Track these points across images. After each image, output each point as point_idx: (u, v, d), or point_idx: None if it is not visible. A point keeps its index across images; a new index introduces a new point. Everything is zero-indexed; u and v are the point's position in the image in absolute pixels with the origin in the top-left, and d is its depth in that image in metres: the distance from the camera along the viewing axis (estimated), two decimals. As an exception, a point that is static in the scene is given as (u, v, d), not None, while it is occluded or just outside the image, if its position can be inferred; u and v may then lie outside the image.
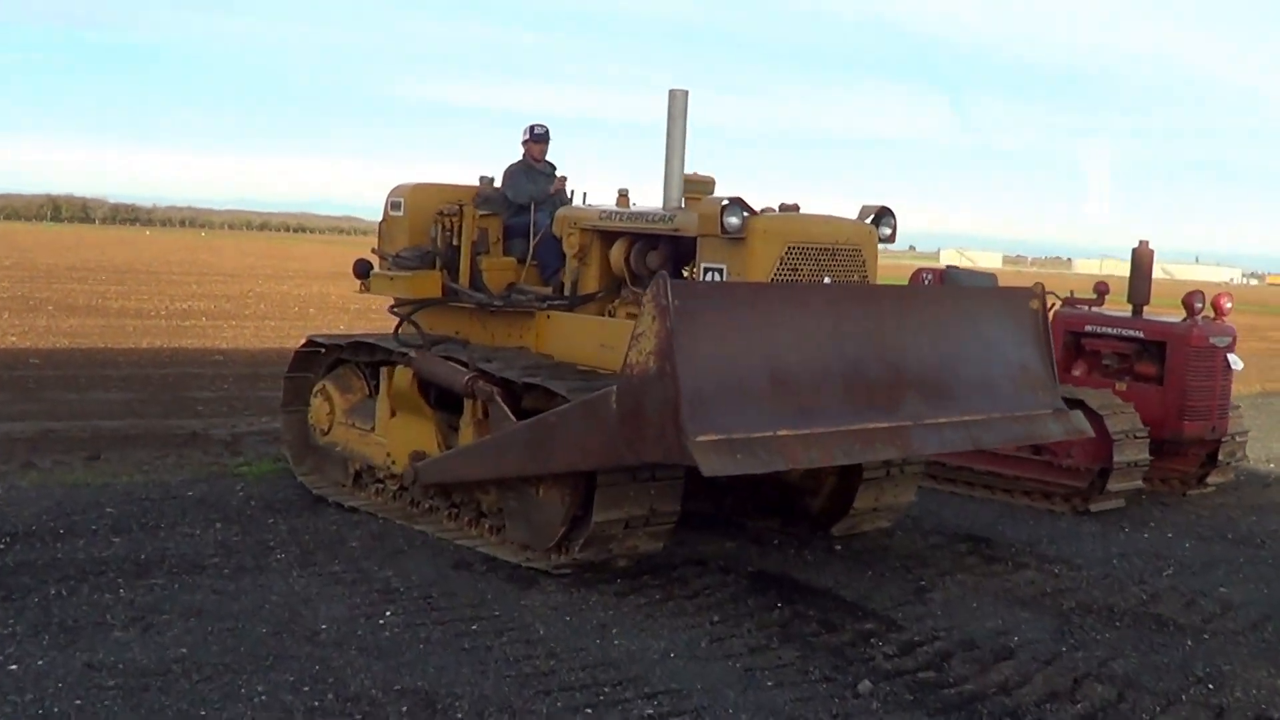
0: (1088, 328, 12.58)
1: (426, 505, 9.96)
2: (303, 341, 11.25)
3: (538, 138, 11.34)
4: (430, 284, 10.58)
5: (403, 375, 9.74)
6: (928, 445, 8.45)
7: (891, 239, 9.47)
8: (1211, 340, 11.98)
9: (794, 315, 8.04)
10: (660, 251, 9.71)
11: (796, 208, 9.06)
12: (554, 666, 6.90)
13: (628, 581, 8.61)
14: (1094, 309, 12.96)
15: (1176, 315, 12.55)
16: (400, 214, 11.12)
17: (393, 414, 10.17)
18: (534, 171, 11.27)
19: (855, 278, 9.09)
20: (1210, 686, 7.18)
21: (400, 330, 10.26)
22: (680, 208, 9.54)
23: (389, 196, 11.26)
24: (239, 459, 12.15)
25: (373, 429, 10.37)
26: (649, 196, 10.05)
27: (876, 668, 7.20)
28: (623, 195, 10.31)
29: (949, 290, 9.16)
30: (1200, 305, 12.12)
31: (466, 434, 9.45)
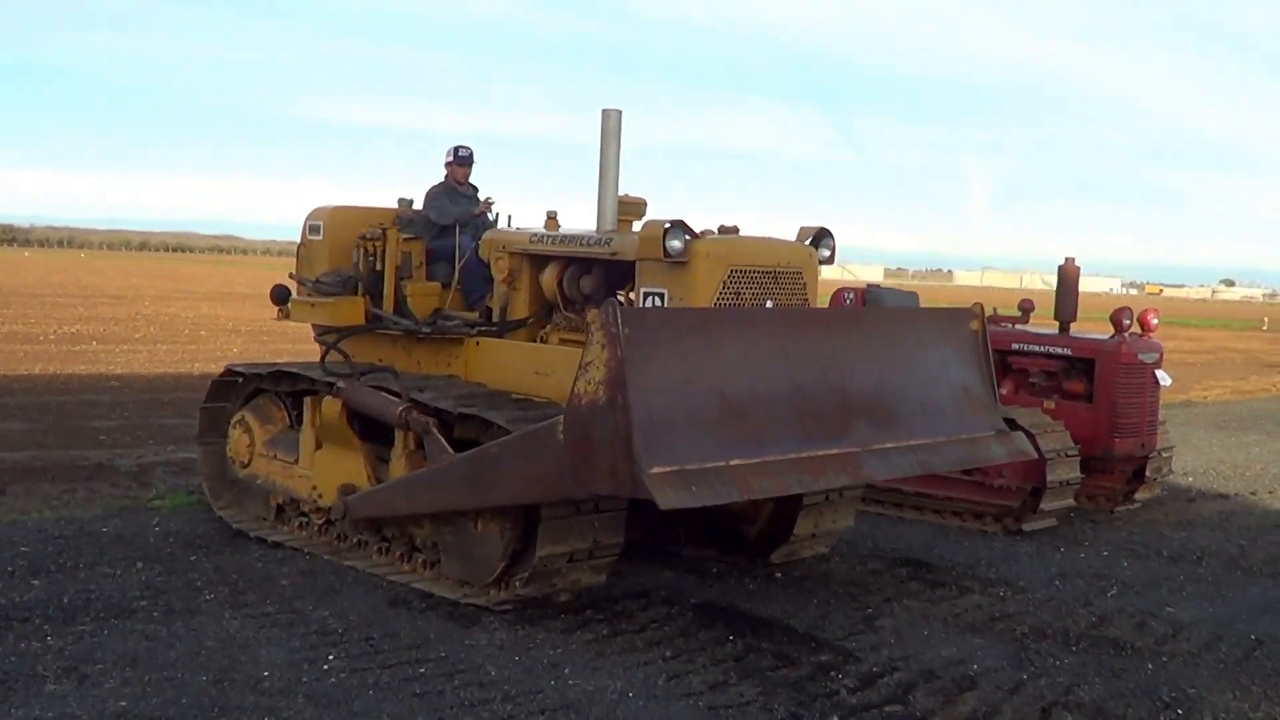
0: (1014, 346, 12.52)
1: (355, 540, 9.62)
2: (221, 371, 10.81)
3: (461, 160, 11.07)
4: (353, 310, 10.25)
5: (330, 406, 9.39)
6: (877, 471, 8.28)
7: (830, 260, 9.32)
8: (1140, 356, 11.98)
9: (743, 340, 7.85)
10: (594, 276, 9.47)
11: (736, 229, 8.88)
12: (512, 711, 6.61)
13: (572, 617, 8.33)
14: (1019, 327, 12.94)
15: (1103, 331, 12.55)
16: (319, 238, 10.77)
17: (318, 446, 9.81)
18: (456, 194, 11.00)
19: (796, 301, 8.94)
20: (1179, 712, 7.08)
21: (326, 359, 9.88)
22: (614, 231, 9.32)
23: (307, 220, 10.91)
24: (151, 492, 11.68)
25: (296, 461, 9.99)
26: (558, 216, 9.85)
27: (841, 702, 7.00)
28: (551, 218, 10.06)
29: (891, 312, 9.04)
30: (1129, 321, 12.13)
31: (398, 466, 9.13)
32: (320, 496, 9.72)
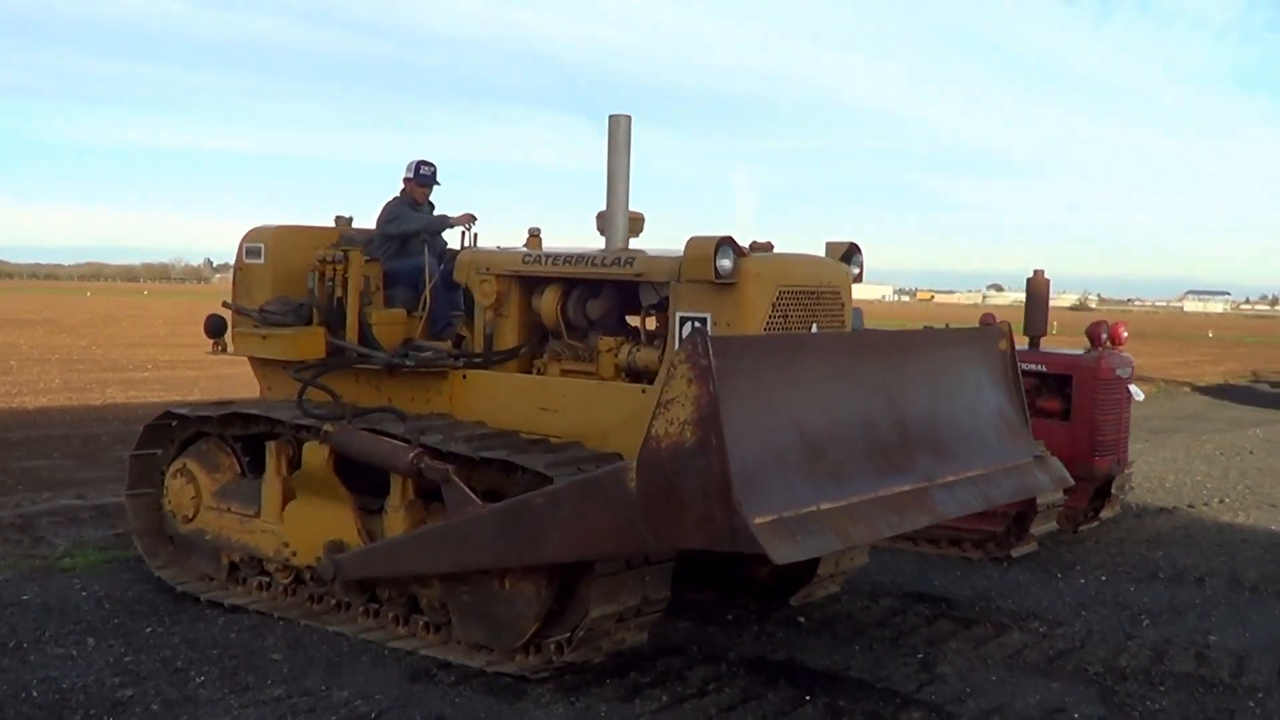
0: (983, 362, 11.99)
1: (334, 602, 8.52)
2: (160, 414, 9.50)
3: (422, 179, 10.02)
4: (312, 342, 9.12)
5: (314, 453, 8.24)
6: (949, 508, 7.57)
7: (859, 278, 8.60)
8: (1117, 371, 11.61)
9: (816, 369, 7.10)
10: (603, 299, 8.57)
11: (770, 246, 8.08)
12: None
13: (618, 681, 7.44)
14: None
15: (1071, 346, 12.16)
16: (260, 261, 9.61)
17: (289, 497, 8.65)
18: (417, 212, 9.96)
19: (835, 322, 8.20)
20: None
21: (303, 397, 8.71)
22: (633, 249, 8.45)
23: (243, 242, 9.73)
24: (55, 548, 10.29)
25: (257, 514, 8.80)
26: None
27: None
28: (534, 236, 9.13)
29: (930, 334, 8.36)
30: (1105, 335, 11.75)
31: (396, 520, 8.06)
32: (294, 554, 8.56)
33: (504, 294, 8.70)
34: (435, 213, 10.17)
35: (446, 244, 10.08)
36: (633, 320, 8.75)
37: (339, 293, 9.14)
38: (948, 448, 7.86)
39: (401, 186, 10.04)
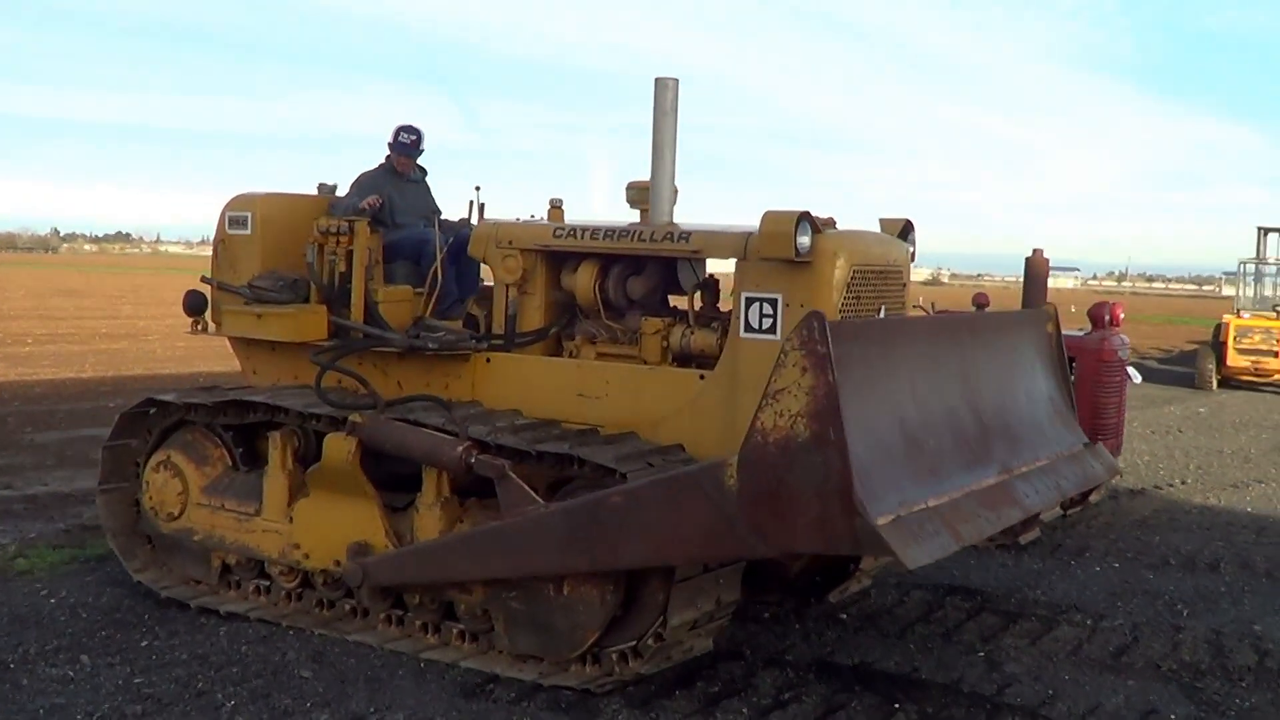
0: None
1: (348, 607, 7.78)
2: (139, 401, 8.59)
3: (401, 148, 9.19)
4: (315, 321, 8.32)
5: (338, 446, 7.46)
6: (1032, 500, 7.14)
7: (913, 258, 8.10)
8: (1119, 353, 11.32)
9: (911, 354, 6.64)
10: (646, 277, 7.94)
11: (833, 222, 7.53)
12: None
13: (690, 693, 6.89)
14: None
15: (1072, 328, 11.81)
16: (247, 232, 8.75)
17: (298, 493, 7.87)
18: (398, 181, 9.18)
19: (897, 304, 7.69)
20: None
21: (321, 381, 7.88)
22: (680, 223, 7.83)
23: (226, 210, 8.86)
24: (5, 549, 9.32)
25: (258, 512, 8.00)
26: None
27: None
28: (556, 208, 8.47)
29: (989, 317, 7.92)
30: (1108, 316, 11.44)
31: (429, 519, 7.35)
32: (306, 557, 7.78)
33: (530, 270, 8.01)
34: (426, 175, 9.43)
35: (440, 213, 9.35)
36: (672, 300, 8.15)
37: (341, 267, 8.35)
38: (1017, 436, 7.46)
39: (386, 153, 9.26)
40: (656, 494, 6.30)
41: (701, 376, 7.32)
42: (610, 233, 7.77)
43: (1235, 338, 25.28)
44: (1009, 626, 8.33)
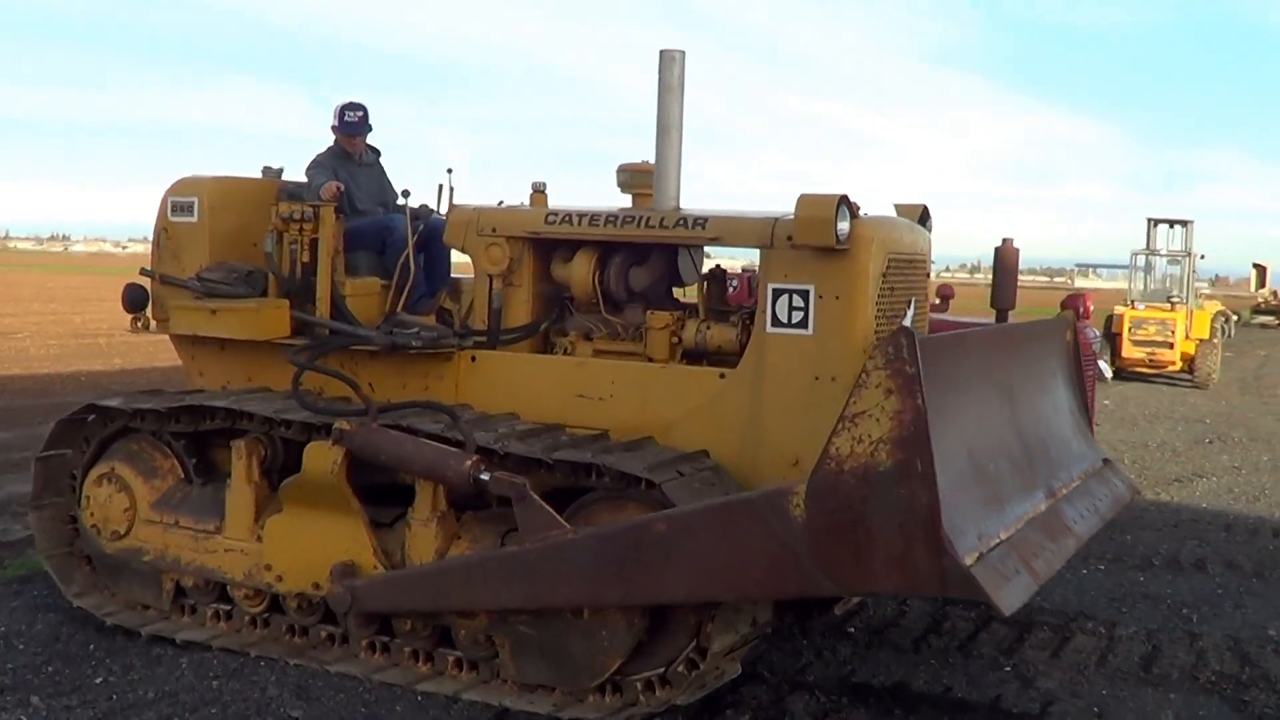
0: (947, 337, 11.15)
1: (324, 634, 7.03)
2: (79, 408, 7.69)
3: (348, 128, 8.42)
4: (277, 317, 7.53)
5: (322, 456, 6.68)
6: (1081, 527, 6.71)
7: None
8: (1094, 347, 10.95)
9: (972, 370, 6.16)
10: (650, 267, 7.31)
11: (857, 209, 6.96)
12: None
13: (722, 723, 6.28)
14: (940, 316, 11.55)
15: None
16: (193, 219, 7.93)
17: (265, 508, 7.09)
18: (349, 164, 8.43)
19: (922, 296, 7.18)
20: None
21: (299, 384, 7.07)
22: (678, 207, 7.21)
23: (169, 195, 8.03)
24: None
25: (219, 530, 7.19)
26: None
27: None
28: (539, 193, 7.78)
29: (1022, 327, 7.41)
30: (1084, 309, 11.04)
31: (424, 537, 6.63)
32: (279, 579, 6.99)
33: (516, 260, 7.33)
34: (380, 156, 8.69)
35: (397, 197, 8.61)
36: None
37: (305, 258, 7.57)
38: (1053, 455, 7.07)
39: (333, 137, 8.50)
40: (709, 522, 5.69)
41: (722, 375, 6.72)
42: (613, 218, 7.12)
43: (1130, 329, 25.34)
44: (1024, 637, 7.85)
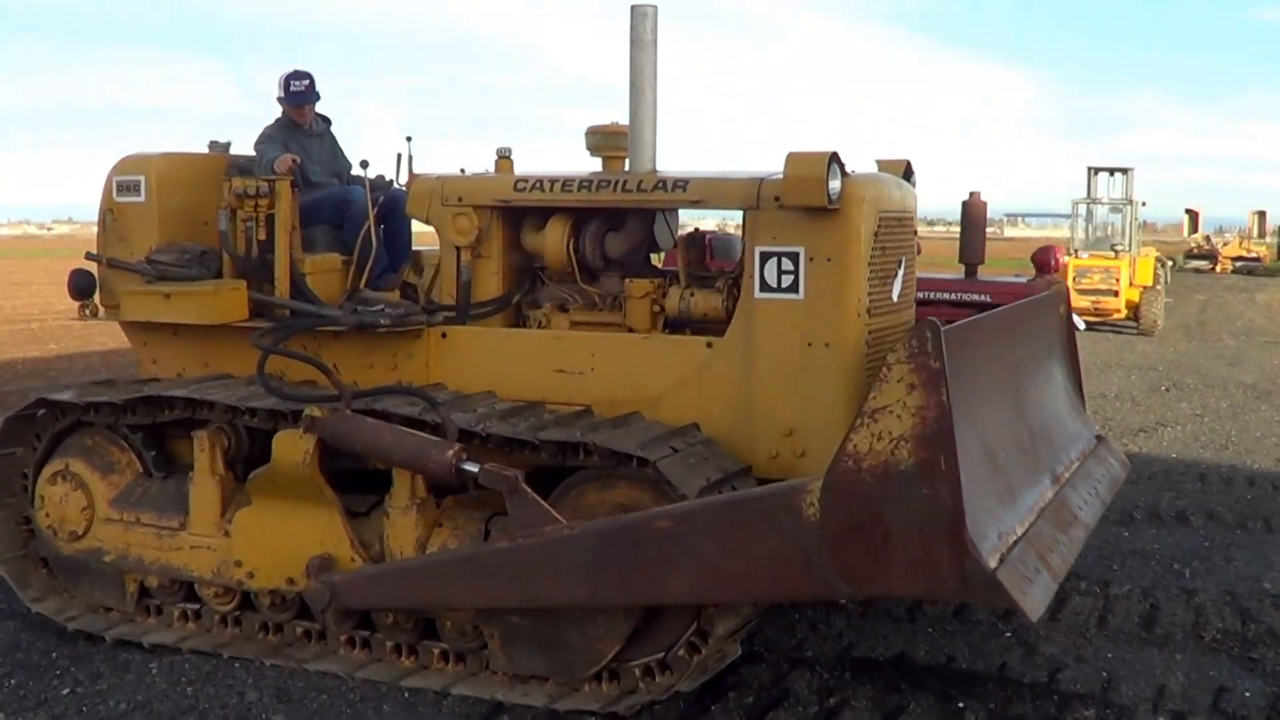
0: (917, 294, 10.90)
1: (300, 630, 6.70)
2: (29, 402, 7.26)
3: (295, 98, 8.06)
4: (236, 300, 7.16)
5: (292, 446, 6.32)
6: (1086, 514, 6.47)
7: (912, 204, 7.33)
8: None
9: (989, 354, 5.92)
10: (626, 233, 6.99)
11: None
12: None
13: (725, 707, 6.05)
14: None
15: (1008, 275, 11.24)
16: (140, 199, 7.53)
17: (232, 501, 6.74)
18: (301, 136, 8.08)
19: (908, 256, 6.91)
20: None
21: (264, 369, 6.70)
22: (654, 169, 6.91)
23: (114, 175, 7.62)
24: None
25: (183, 526, 6.83)
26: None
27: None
28: (504, 158, 7.41)
29: (1022, 306, 7.13)
30: (1055, 262, 10.87)
31: (404, 526, 6.30)
32: (251, 576, 6.64)
33: (485, 230, 6.98)
34: (330, 125, 8.33)
35: (351, 168, 8.27)
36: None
37: (260, 235, 7.20)
38: (1052, 436, 6.86)
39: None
40: (716, 520, 5.39)
41: (709, 344, 6.43)
42: (587, 183, 6.80)
43: (1075, 278, 25.30)
44: (1021, 602, 7.64)
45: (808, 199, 6.04)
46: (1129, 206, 28.11)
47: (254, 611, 6.80)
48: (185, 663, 6.58)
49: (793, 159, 6.07)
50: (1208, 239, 55.03)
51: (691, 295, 6.63)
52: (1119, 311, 25.42)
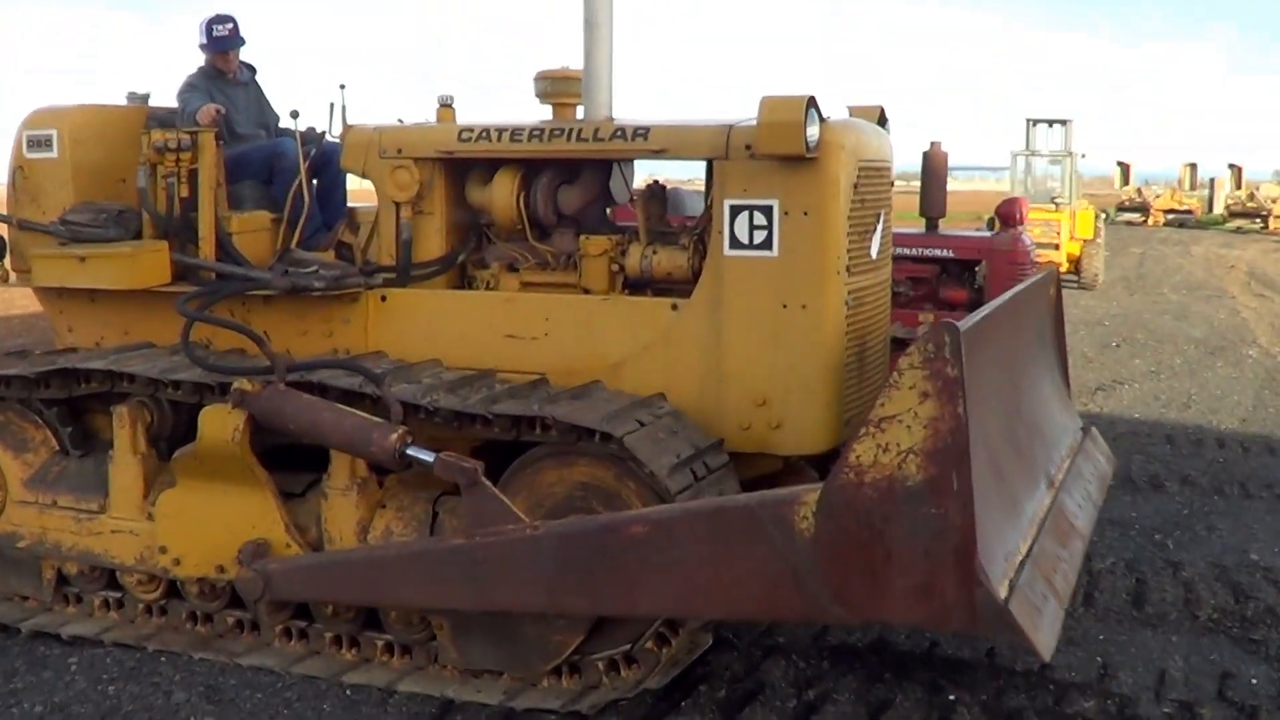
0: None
1: (231, 621, 6.17)
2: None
3: (218, 43, 7.52)
4: (157, 262, 6.58)
5: (221, 422, 5.75)
6: (1083, 521, 5.99)
7: (886, 153, 6.83)
8: (1032, 256, 10.33)
9: (995, 355, 5.42)
10: (582, 186, 6.46)
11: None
12: None
13: (697, 703, 5.58)
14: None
15: (975, 228, 10.79)
16: (53, 155, 6.93)
17: (155, 482, 6.18)
18: (225, 85, 7.52)
19: (888, 209, 6.43)
20: None
21: (189, 338, 6.11)
22: (611, 116, 6.39)
23: (24, 129, 7.02)
24: None
25: (103, 509, 6.26)
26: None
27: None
28: (446, 106, 6.85)
29: (1021, 297, 6.60)
30: (1020, 215, 10.42)
31: (343, 508, 5.79)
32: (176, 563, 6.07)
33: (426, 184, 6.42)
34: (255, 73, 7.78)
35: (279, 119, 7.71)
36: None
37: (183, 192, 6.61)
38: (1044, 431, 6.38)
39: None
40: (696, 528, 4.87)
41: (674, 306, 5.94)
42: (538, 132, 6.26)
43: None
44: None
45: (783, 146, 5.54)
46: (1068, 159, 27.85)
47: (181, 600, 6.25)
48: (107, 657, 6.04)
49: (768, 104, 5.56)
50: (1139, 191, 54.97)
51: (654, 253, 6.13)
52: (1060, 265, 25.14)
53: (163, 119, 7.15)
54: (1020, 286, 6.51)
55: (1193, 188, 56.10)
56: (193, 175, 6.59)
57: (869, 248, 6.05)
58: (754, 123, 5.61)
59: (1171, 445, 10.64)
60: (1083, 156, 28.45)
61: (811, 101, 5.53)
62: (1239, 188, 53.33)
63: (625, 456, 5.25)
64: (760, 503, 4.73)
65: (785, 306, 5.71)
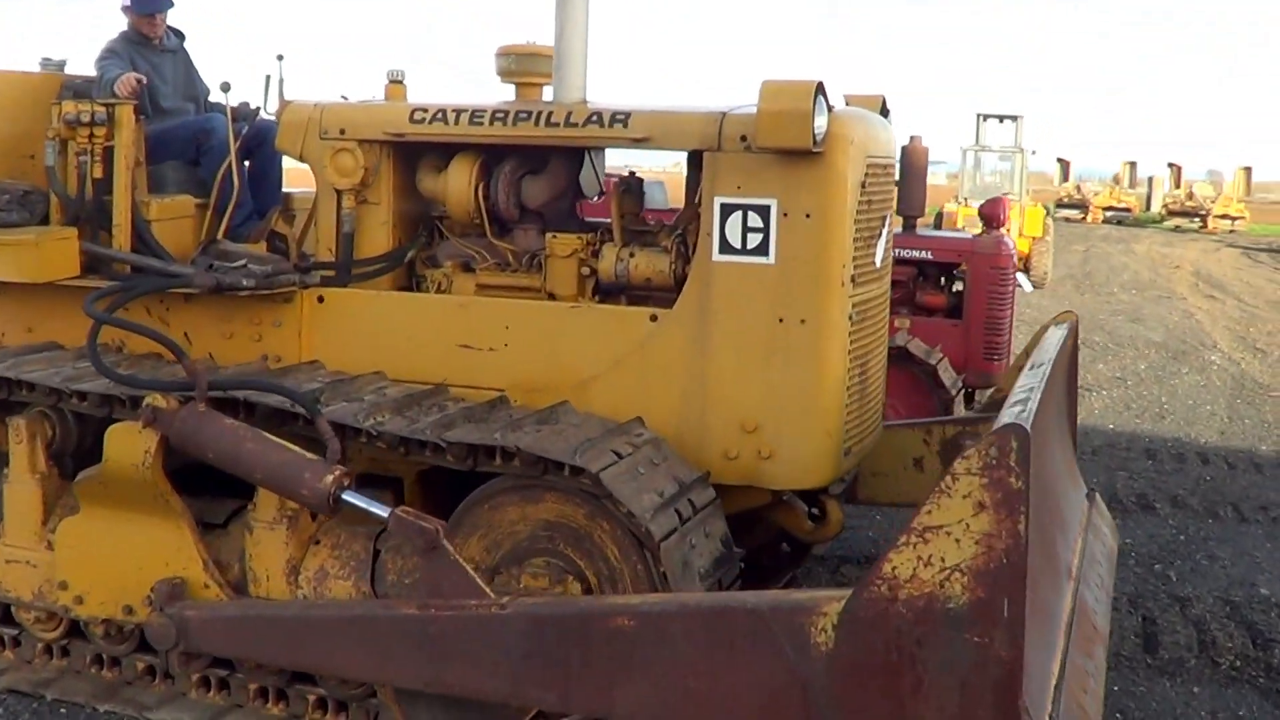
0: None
1: (141, 667, 5.41)
2: None
3: (143, 6, 6.73)
4: (64, 252, 5.78)
5: (130, 443, 4.96)
6: (1101, 621, 5.27)
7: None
8: (1014, 259, 9.71)
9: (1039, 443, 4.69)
10: (549, 177, 5.72)
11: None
12: None
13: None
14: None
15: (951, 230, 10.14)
16: (-53, 128, 6.12)
17: (56, 508, 5.40)
18: (149, 51, 6.74)
19: (891, 211, 5.76)
20: None
21: (97, 342, 5.31)
22: (585, 100, 5.65)
23: (-84, 97, 6.19)
24: None
25: (-4, 534, 5.49)
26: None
27: None
28: (396, 83, 6.06)
29: (1059, 362, 5.88)
30: (1004, 215, 9.80)
31: (269, 545, 5.03)
32: (79, 601, 5.28)
33: (372, 169, 5.66)
34: (184, 40, 7.00)
35: (209, 92, 6.93)
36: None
37: (96, 173, 5.80)
38: (1064, 514, 5.64)
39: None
40: (692, 628, 4.11)
41: (653, 317, 5.23)
42: (502, 114, 5.51)
43: (963, 227, 24.51)
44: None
45: (787, 139, 4.84)
46: (1018, 155, 27.45)
47: (85, 641, 5.48)
48: (0, 705, 5.26)
49: (770, 89, 4.86)
50: (1078, 187, 54.87)
51: (631, 255, 5.41)
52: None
53: (78, 89, 6.40)
54: (1050, 353, 5.70)
55: (1131, 185, 56.11)
56: (108, 153, 5.77)
57: (874, 255, 5.39)
58: (752, 110, 4.92)
59: (1153, 460, 10.08)
60: (1033, 153, 28.04)
61: (820, 88, 4.84)
62: (1178, 187, 53.38)
63: (600, 494, 4.55)
64: (772, 607, 3.99)
65: (781, 321, 5.03)
